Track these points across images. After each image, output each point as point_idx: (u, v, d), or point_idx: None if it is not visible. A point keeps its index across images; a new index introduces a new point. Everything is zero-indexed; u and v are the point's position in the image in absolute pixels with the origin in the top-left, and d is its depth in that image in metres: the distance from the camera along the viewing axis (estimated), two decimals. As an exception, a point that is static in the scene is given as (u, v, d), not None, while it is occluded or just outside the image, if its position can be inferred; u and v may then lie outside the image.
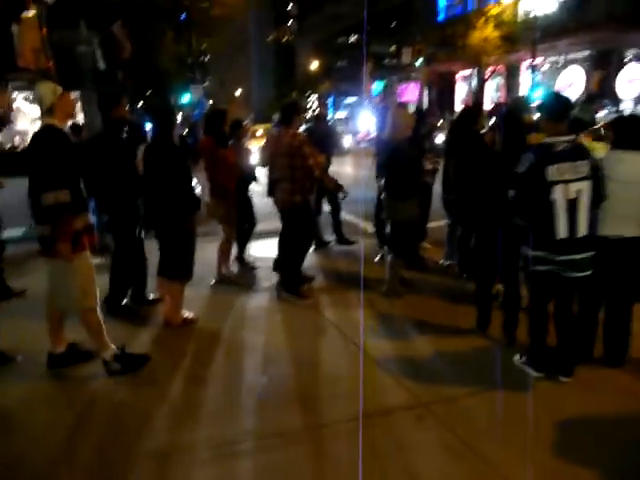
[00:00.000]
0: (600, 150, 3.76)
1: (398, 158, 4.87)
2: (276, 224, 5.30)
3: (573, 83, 23.47)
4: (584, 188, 3.25)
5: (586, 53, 25.53)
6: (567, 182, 3.24)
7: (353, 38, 42.99)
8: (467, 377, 3.55)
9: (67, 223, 3.29)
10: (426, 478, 2.66)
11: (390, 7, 36.62)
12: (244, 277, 5.80)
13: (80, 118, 12.92)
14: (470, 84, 33.17)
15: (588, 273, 3.36)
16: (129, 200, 4.56)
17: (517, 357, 3.70)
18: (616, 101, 22.52)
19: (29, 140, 3.53)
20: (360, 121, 29.85)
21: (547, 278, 3.43)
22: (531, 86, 24.68)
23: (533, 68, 25.37)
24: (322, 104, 14.25)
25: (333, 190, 5.47)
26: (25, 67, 14.06)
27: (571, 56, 26.20)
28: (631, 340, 3.61)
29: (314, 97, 44.98)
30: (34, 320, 4.00)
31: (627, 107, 21.93)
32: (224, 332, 4.39)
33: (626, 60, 24.26)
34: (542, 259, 3.38)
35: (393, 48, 36.08)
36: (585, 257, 3.32)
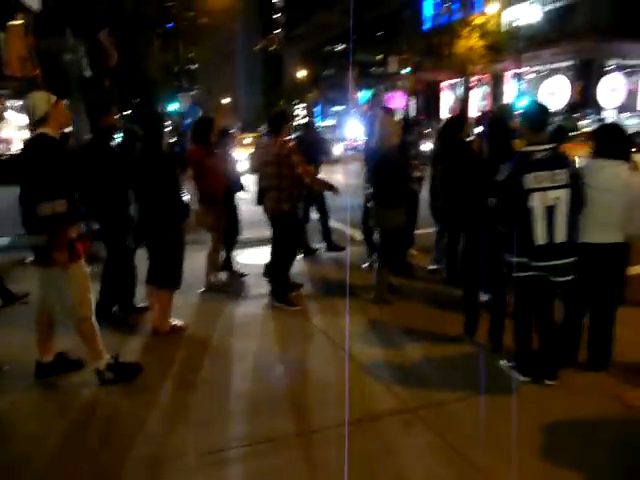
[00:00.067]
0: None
1: (386, 166, 4.92)
2: (264, 232, 5.32)
3: (556, 92, 23.82)
4: (562, 196, 3.32)
5: (569, 63, 25.97)
6: (545, 190, 3.31)
7: (340, 47, 43.30)
8: (455, 382, 3.59)
9: (64, 232, 3.29)
10: (415, 482, 2.69)
11: (377, 16, 36.98)
12: (232, 285, 5.80)
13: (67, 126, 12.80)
14: (456, 92, 33.56)
15: (570, 278, 3.43)
16: (120, 208, 4.56)
17: (504, 362, 3.75)
18: (599, 110, 22.90)
19: (21, 149, 3.52)
20: (347, 129, 30.03)
21: (530, 283, 3.50)
22: (516, 95, 25.01)
23: (518, 77, 25.74)
24: (309, 112, 14.32)
25: (327, 190, 5.51)
26: (11, 75, 13.99)
27: (555, 65, 26.63)
28: (614, 344, 3.67)
29: (302, 105, 45.18)
30: (25, 329, 3.97)
31: (609, 116, 22.31)
32: (213, 339, 4.40)
33: (608, 69, 24.71)
34: (523, 265, 3.45)
35: (380, 57, 36.41)
36: (565, 263, 3.38)
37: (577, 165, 3.56)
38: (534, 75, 27.85)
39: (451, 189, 5.01)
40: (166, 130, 4.70)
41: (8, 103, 16.82)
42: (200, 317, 4.92)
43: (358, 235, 6.95)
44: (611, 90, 22.23)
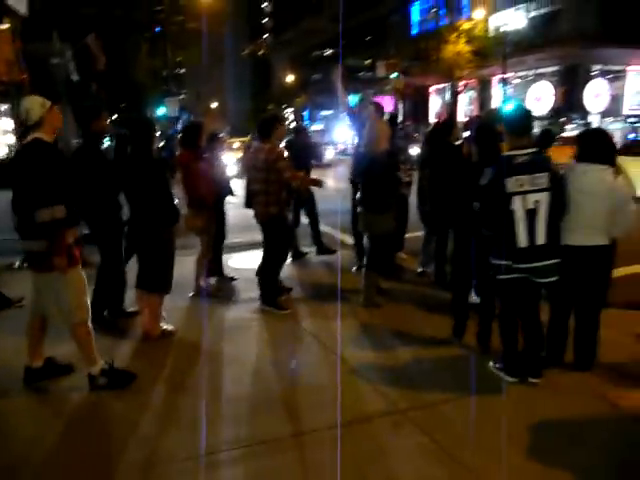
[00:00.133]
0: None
1: (374, 171, 4.96)
2: (254, 236, 5.34)
3: (542, 97, 24.12)
4: (543, 199, 3.39)
5: (554, 68, 26.29)
6: (525, 193, 3.37)
7: (328, 52, 43.46)
8: (444, 384, 3.63)
9: (63, 238, 3.29)
10: (405, 483, 2.71)
11: (365, 21, 37.19)
12: (222, 289, 5.81)
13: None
14: (444, 97, 33.81)
15: (553, 279, 3.49)
16: (111, 212, 4.56)
17: (491, 363, 3.79)
18: (584, 115, 23.21)
19: (15, 154, 3.51)
20: (336, 133, 30.16)
21: (513, 285, 3.56)
22: (502, 99, 25.24)
23: (504, 82, 26.00)
24: (298, 117, 14.34)
25: (313, 185, 5.54)
26: (-2, 80, 13.90)
27: (540, 71, 26.93)
28: (599, 345, 3.74)
29: (290, 110, 45.22)
30: (16, 334, 3.96)
31: (594, 120, 22.62)
32: (203, 343, 4.40)
33: (592, 75, 25.04)
34: (507, 267, 3.51)
35: (368, 62, 36.59)
36: (547, 264, 3.45)
37: (561, 169, 3.63)
38: (519, 80, 28.16)
39: (439, 193, 5.07)
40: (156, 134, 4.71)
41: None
42: (190, 321, 4.91)
43: (348, 239, 6.99)
44: (595, 95, 22.56)
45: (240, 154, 10.50)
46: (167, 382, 3.78)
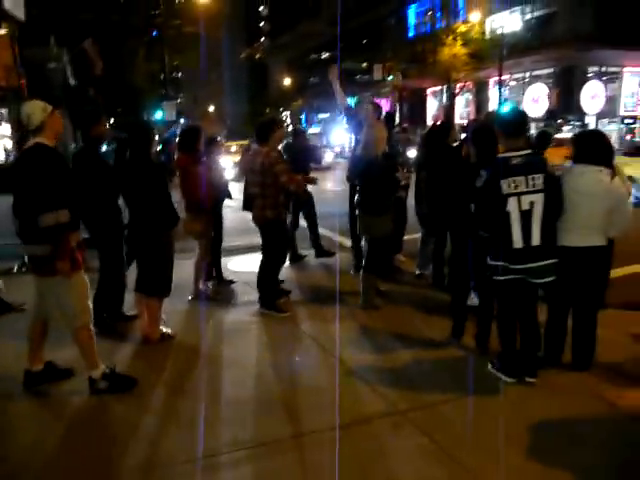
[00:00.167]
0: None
1: (373, 173, 4.98)
2: (253, 239, 5.35)
3: (539, 99, 24.21)
4: (538, 200, 3.41)
5: (550, 70, 26.39)
6: (520, 194, 3.40)
7: (325, 55, 43.57)
8: (443, 385, 3.64)
9: (68, 242, 3.30)
10: (405, 483, 2.73)
11: (361, 25, 37.29)
12: (221, 292, 5.82)
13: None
14: (440, 99, 33.90)
15: (549, 279, 3.51)
16: (111, 216, 4.57)
17: (490, 364, 3.81)
18: (581, 116, 23.29)
19: (17, 159, 3.51)
20: (333, 136, 30.21)
21: (510, 286, 3.58)
22: (499, 101, 25.33)
23: (500, 84, 26.09)
24: (295, 120, 14.35)
25: (309, 184, 5.58)
26: (-5, 84, 13.87)
27: (536, 72, 27.04)
28: (597, 345, 3.75)
29: (287, 113, 45.27)
30: (16, 338, 3.96)
31: (591, 121, 22.70)
32: (203, 347, 4.41)
33: (588, 76, 25.14)
34: (503, 268, 3.53)
35: (365, 65, 36.69)
36: (542, 265, 3.46)
37: (557, 170, 3.65)
38: (516, 82, 28.26)
39: (436, 195, 5.08)
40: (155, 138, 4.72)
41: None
42: (189, 325, 4.92)
43: (346, 241, 7.01)
44: (591, 97, 22.67)
45: (238, 157, 10.50)
46: (167, 385, 3.78)
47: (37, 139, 3.36)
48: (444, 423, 3.21)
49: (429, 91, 35.07)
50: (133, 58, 24.59)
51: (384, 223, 5.04)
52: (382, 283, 5.47)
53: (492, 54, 25.20)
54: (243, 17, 67.92)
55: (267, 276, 5.17)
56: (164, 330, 4.52)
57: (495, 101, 27.15)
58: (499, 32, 24.73)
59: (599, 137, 3.79)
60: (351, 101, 6.90)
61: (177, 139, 5.98)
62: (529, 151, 3.52)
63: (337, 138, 30.20)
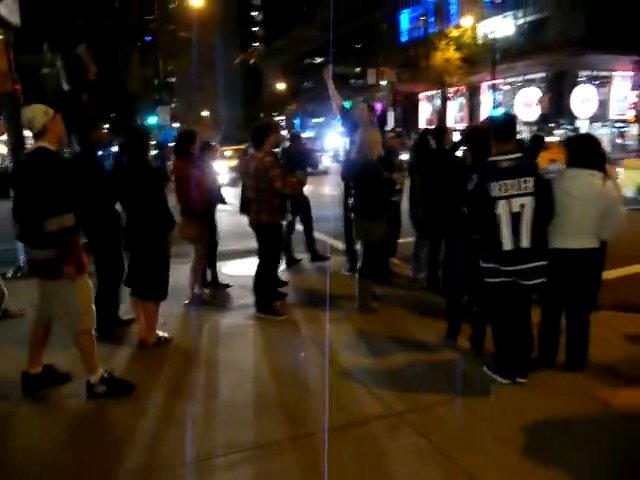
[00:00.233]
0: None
1: (367, 177, 5.01)
2: (248, 243, 5.36)
3: (531, 103, 24.39)
4: (527, 203, 3.45)
5: (542, 74, 26.58)
6: (510, 197, 3.44)
7: (319, 60, 43.70)
8: (439, 386, 3.67)
9: (72, 246, 3.31)
10: (402, 484, 2.75)
11: (354, 29, 37.46)
12: (217, 296, 5.83)
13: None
14: (434, 104, 34.07)
15: (539, 281, 3.55)
16: (109, 221, 4.58)
17: (486, 366, 3.84)
18: (572, 120, 23.47)
19: (20, 163, 3.50)
20: (327, 140, 30.26)
21: (502, 288, 3.62)
22: (492, 105, 25.48)
23: (493, 88, 26.25)
24: (289, 124, 14.40)
25: (301, 185, 5.63)
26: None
27: (529, 77, 27.23)
28: (590, 346, 3.79)
29: (281, 118, 45.33)
30: (15, 343, 3.96)
31: (583, 125, 22.88)
32: (200, 350, 4.42)
33: (580, 80, 25.35)
34: (494, 271, 3.57)
35: (358, 69, 36.84)
36: (532, 267, 3.50)
37: (547, 174, 3.70)
38: (509, 87, 28.44)
39: (430, 198, 5.12)
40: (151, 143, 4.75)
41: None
42: (186, 328, 4.93)
43: (340, 245, 7.03)
44: (583, 101, 22.86)
45: (233, 162, 10.53)
46: (164, 388, 3.79)
47: (40, 143, 3.37)
48: (440, 424, 3.24)
49: (422, 95, 35.22)
50: (127, 63, 24.62)
51: (379, 227, 5.06)
52: (377, 286, 5.50)
53: (485, 59, 25.38)
54: (237, 22, 68.02)
55: (263, 280, 5.19)
56: (160, 334, 4.53)
57: (488, 105, 27.31)
58: (491, 37, 24.92)
59: (591, 141, 3.84)
60: (347, 104, 6.91)
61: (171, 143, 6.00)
62: (519, 154, 3.57)
63: (331, 142, 30.24)
